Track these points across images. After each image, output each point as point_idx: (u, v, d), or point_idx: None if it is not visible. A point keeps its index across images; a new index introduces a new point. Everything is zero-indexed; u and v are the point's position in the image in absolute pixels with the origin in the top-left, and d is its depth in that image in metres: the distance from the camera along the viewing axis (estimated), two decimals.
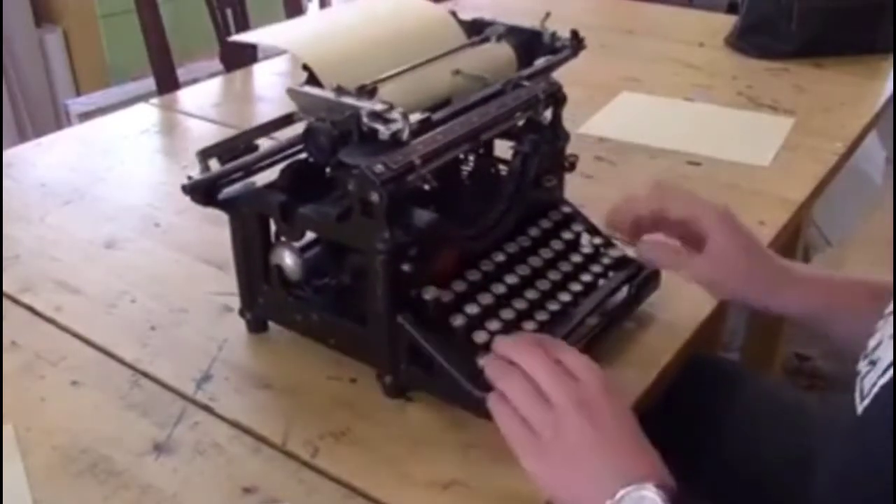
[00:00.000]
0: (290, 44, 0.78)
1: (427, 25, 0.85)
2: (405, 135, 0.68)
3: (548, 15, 0.88)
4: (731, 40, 1.56)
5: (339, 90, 0.71)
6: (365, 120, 0.69)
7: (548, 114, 0.84)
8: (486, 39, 0.87)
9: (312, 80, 0.74)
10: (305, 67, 0.75)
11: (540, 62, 0.86)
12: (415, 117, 0.70)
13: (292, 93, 0.74)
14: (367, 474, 0.66)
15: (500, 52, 0.86)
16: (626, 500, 0.55)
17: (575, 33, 0.88)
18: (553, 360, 0.62)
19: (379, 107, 0.69)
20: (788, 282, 0.74)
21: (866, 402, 0.56)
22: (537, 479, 0.60)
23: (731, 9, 2.05)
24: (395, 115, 0.69)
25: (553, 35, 0.88)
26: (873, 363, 0.57)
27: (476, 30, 0.87)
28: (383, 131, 0.68)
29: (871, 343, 0.60)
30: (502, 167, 0.86)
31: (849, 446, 0.59)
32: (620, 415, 0.60)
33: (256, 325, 0.81)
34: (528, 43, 0.88)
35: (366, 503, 0.64)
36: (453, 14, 0.87)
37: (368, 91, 0.71)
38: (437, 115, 0.73)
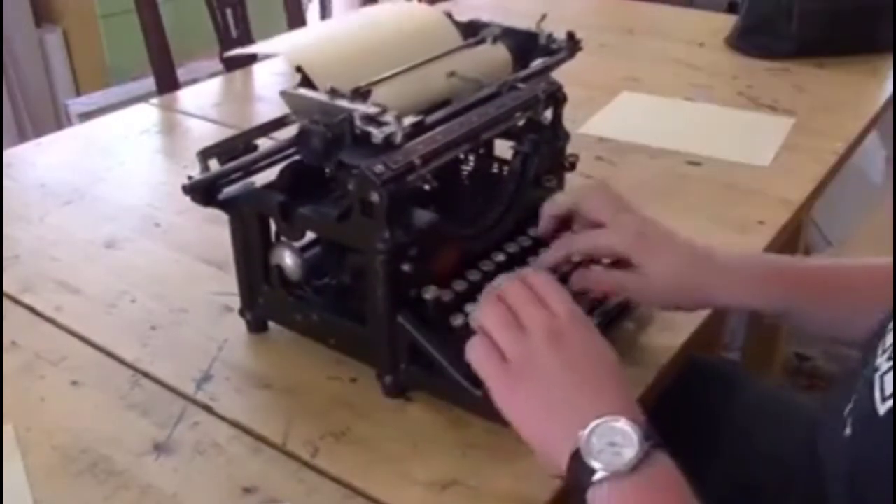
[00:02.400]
0: (284, 48, 0.77)
1: (422, 27, 0.84)
2: (398, 138, 0.68)
3: (544, 16, 0.87)
4: (732, 40, 1.56)
5: (333, 92, 0.71)
6: (358, 123, 0.68)
7: (548, 114, 0.84)
8: (482, 41, 0.86)
9: (306, 82, 0.74)
10: (299, 70, 0.74)
11: (536, 64, 0.85)
12: (409, 120, 0.70)
13: (286, 95, 0.74)
14: (367, 474, 0.66)
15: (495, 54, 0.86)
16: (598, 431, 0.54)
17: (571, 35, 0.87)
18: (533, 292, 0.62)
19: (372, 109, 0.69)
20: (734, 278, 0.72)
21: (890, 402, 0.55)
22: (507, 412, 0.60)
23: (731, 9, 2.05)
24: (389, 118, 0.68)
25: (549, 37, 0.87)
26: (893, 360, 0.57)
27: (472, 31, 0.87)
28: (376, 134, 0.68)
29: (890, 337, 0.59)
30: (502, 167, 0.86)
31: (867, 447, 0.58)
32: (595, 348, 0.60)
33: (256, 325, 0.81)
34: (524, 45, 0.87)
35: (366, 503, 0.64)
36: (449, 16, 0.87)
37: (362, 93, 0.71)
38: (430, 118, 0.73)
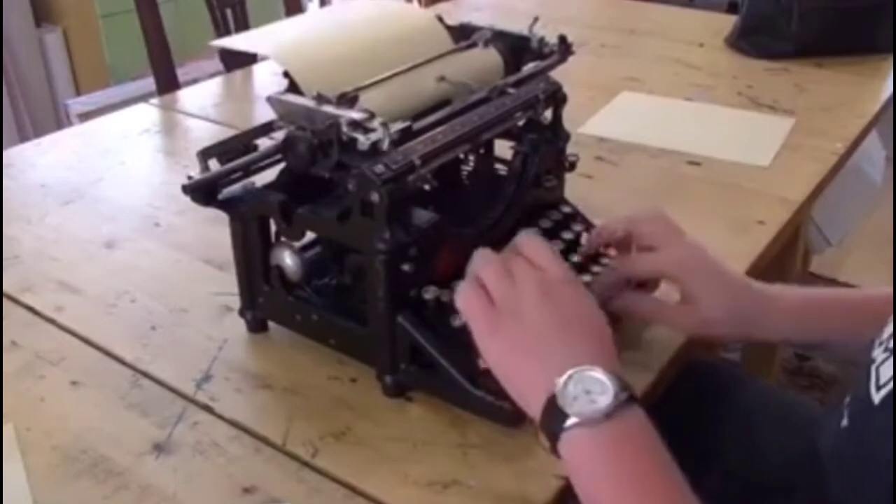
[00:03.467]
0: (271, 51, 0.76)
1: (412, 31, 0.83)
2: (385, 145, 0.67)
3: (536, 20, 0.86)
4: (731, 40, 1.56)
5: (320, 98, 0.70)
6: (345, 129, 0.68)
7: (548, 114, 0.84)
8: (473, 45, 0.85)
9: (293, 87, 0.73)
10: (286, 74, 0.74)
11: (527, 68, 0.84)
12: (396, 126, 0.69)
13: (272, 100, 0.73)
14: (367, 474, 0.66)
15: (486, 58, 0.85)
16: (574, 378, 0.54)
17: (563, 38, 0.86)
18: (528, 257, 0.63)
19: (359, 115, 0.68)
20: (777, 311, 0.73)
21: (885, 391, 0.55)
22: (489, 356, 0.60)
23: (731, 9, 2.05)
24: (375, 124, 0.67)
25: (541, 40, 0.86)
26: (889, 351, 0.57)
27: (463, 35, 0.86)
28: (363, 141, 0.67)
29: (887, 330, 0.59)
30: (502, 167, 0.86)
31: (863, 436, 0.58)
32: (582, 305, 0.61)
33: (256, 325, 0.81)
34: (516, 48, 0.86)
35: (366, 503, 0.64)
36: (440, 19, 0.86)
37: (349, 99, 0.70)
38: (418, 125, 0.72)
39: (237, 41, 0.81)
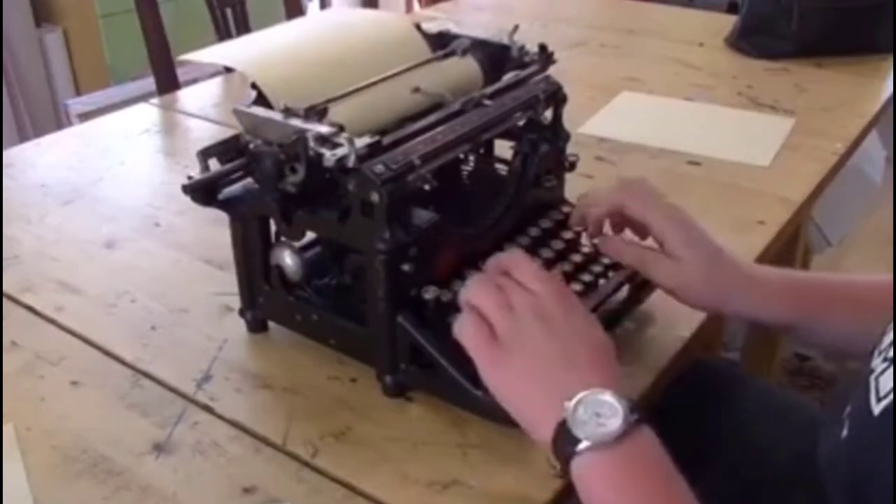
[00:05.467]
0: (239, 62, 0.74)
1: (388, 40, 0.82)
2: (351, 161, 0.65)
3: (516, 28, 0.85)
4: (731, 40, 1.56)
5: (287, 111, 0.68)
6: (311, 144, 0.66)
7: (548, 114, 0.84)
8: (452, 54, 0.84)
9: (261, 99, 0.72)
10: (254, 86, 0.72)
11: (507, 77, 0.83)
12: (363, 141, 0.67)
13: (238, 113, 0.71)
14: (367, 474, 0.66)
15: (464, 68, 0.84)
16: (584, 402, 0.55)
17: (543, 47, 0.85)
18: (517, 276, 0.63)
19: (326, 130, 0.66)
20: (754, 287, 0.73)
21: (885, 402, 0.55)
22: (495, 388, 0.61)
23: (731, 9, 2.05)
24: (342, 139, 0.66)
25: (521, 49, 0.85)
26: (888, 361, 0.57)
27: (441, 43, 0.85)
28: (328, 157, 0.65)
29: (886, 339, 0.59)
30: (502, 167, 0.86)
31: (863, 448, 0.58)
32: (583, 326, 0.61)
33: (256, 325, 0.81)
34: (496, 57, 0.85)
35: (366, 503, 0.64)
36: (418, 27, 0.85)
37: (318, 112, 0.69)
38: (387, 139, 0.70)
39: (206, 55, 0.78)
